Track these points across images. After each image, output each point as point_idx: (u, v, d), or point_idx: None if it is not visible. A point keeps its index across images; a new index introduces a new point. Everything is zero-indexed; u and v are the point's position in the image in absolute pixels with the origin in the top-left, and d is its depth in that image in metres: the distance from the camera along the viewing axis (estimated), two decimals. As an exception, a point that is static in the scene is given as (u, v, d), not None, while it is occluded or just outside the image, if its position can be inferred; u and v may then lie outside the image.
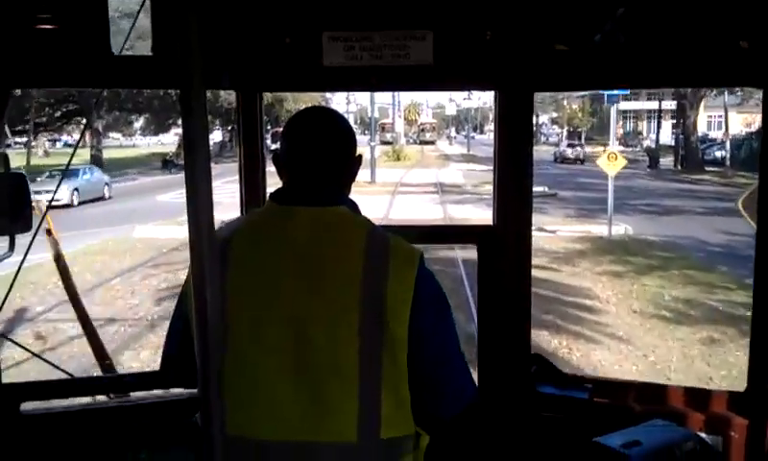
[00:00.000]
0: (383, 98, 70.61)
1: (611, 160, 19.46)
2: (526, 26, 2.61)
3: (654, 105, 68.58)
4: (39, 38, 2.39)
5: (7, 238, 2.50)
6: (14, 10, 2.37)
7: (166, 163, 45.26)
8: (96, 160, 39.61)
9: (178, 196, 25.93)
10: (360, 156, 1.93)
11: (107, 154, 46.45)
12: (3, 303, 2.53)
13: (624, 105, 69.83)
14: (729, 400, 2.59)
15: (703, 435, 2.47)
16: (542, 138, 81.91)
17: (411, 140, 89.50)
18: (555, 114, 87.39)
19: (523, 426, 2.74)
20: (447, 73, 2.66)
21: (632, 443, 2.27)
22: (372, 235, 1.76)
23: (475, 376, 2.72)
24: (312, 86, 2.94)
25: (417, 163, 51.58)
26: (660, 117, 64.97)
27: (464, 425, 2.60)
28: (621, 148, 59.27)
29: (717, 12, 2.41)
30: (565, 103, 77.11)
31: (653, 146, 56.61)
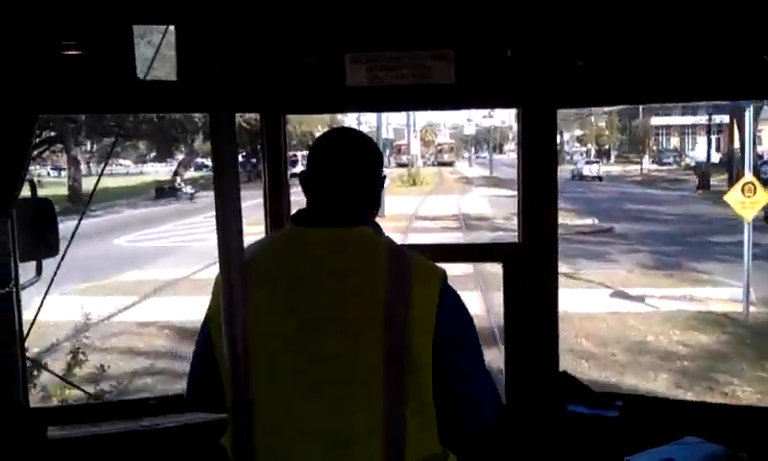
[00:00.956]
0: (398, 118, 66.93)
1: (747, 196, 11.83)
2: (547, 42, 2.63)
3: (689, 120, 66.34)
4: (65, 65, 2.44)
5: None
6: (41, 36, 2.42)
7: (160, 192, 41.28)
8: (74, 193, 34.08)
9: (141, 237, 23.73)
10: (384, 176, 1.94)
11: (111, 182, 42.92)
12: (30, 328, 2.57)
13: (655, 120, 68.11)
14: (760, 416, 2.57)
15: (734, 452, 2.45)
16: (567, 157, 79.35)
17: (428, 162, 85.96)
18: (579, 132, 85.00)
19: (553, 447, 2.73)
20: (470, 91, 2.69)
21: (664, 461, 2.27)
22: (394, 256, 1.77)
23: (503, 395, 2.74)
24: (335, 108, 2.97)
25: (435, 188, 46.32)
26: (694, 133, 63.52)
27: (492, 446, 2.60)
28: (656, 167, 56.47)
29: (739, 26, 2.43)
30: (593, 119, 74.31)
31: (692, 163, 54.33)
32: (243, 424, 1.46)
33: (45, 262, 2.63)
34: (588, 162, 57.78)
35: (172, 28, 2.50)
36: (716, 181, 37.59)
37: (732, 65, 2.46)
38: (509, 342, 2.81)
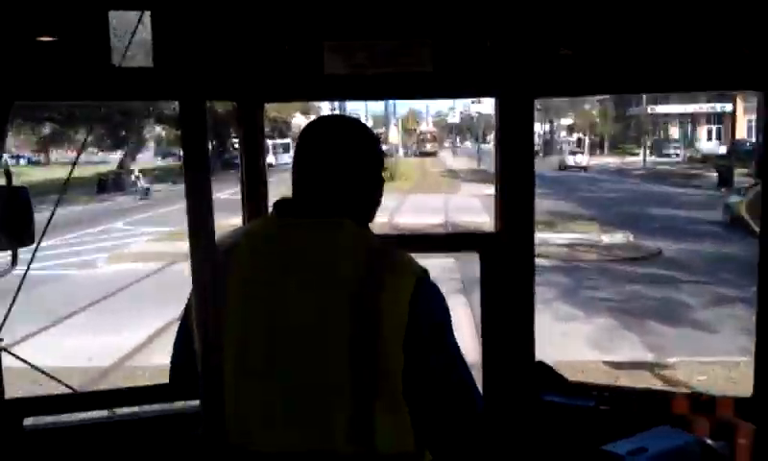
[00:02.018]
0: (378, 106, 65.17)
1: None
2: (526, 31, 2.67)
3: (688, 108, 62.58)
4: (40, 51, 2.44)
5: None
6: (15, 23, 2.42)
7: (102, 185, 38.77)
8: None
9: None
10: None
11: (48, 173, 37.70)
12: (6, 318, 2.57)
13: (653, 109, 64.37)
14: (735, 406, 2.63)
15: (709, 441, 2.51)
16: (557, 147, 75.45)
17: (410, 152, 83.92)
18: (570, 121, 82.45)
19: (528, 436, 2.78)
20: (448, 80, 2.72)
21: (638, 450, 2.32)
22: (373, 249, 1.79)
23: (479, 385, 2.77)
24: (313, 96, 2.98)
25: (416, 184, 41.15)
26: (694, 121, 61.05)
27: (468, 437, 2.64)
28: (654, 158, 53.99)
29: (718, 16, 2.47)
30: (587, 107, 71.22)
31: (697, 154, 51.58)
32: (212, 411, 1.48)
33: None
34: (572, 152, 57.89)
35: (147, 14, 2.50)
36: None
37: (709, 56, 2.49)
38: (485, 332, 2.85)
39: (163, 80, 2.51)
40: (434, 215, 25.14)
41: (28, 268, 2.60)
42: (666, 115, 66.97)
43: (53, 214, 2.81)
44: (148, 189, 36.53)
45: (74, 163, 3.05)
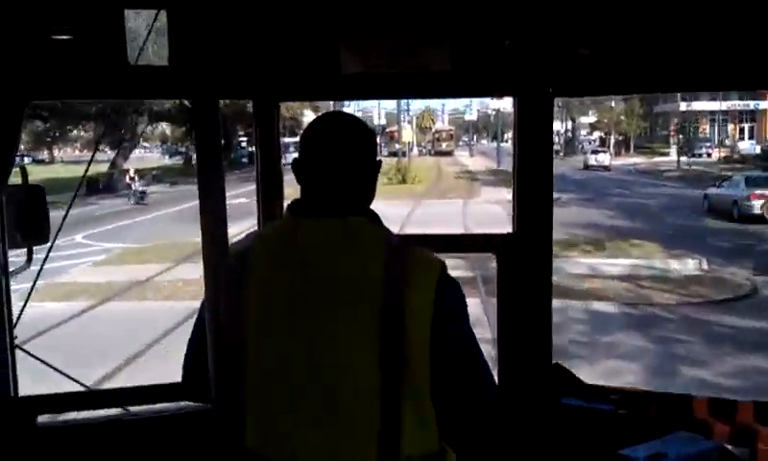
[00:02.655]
0: (392, 102, 60.10)
1: None
2: (544, 31, 2.67)
3: (718, 105, 59.25)
4: (56, 50, 2.46)
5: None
6: (31, 21, 2.44)
7: (93, 187, 34.23)
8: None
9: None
10: (380, 161, 1.94)
11: (49, 172, 34.98)
12: (20, 315, 2.60)
13: (682, 106, 60.90)
14: (755, 411, 2.61)
15: (729, 447, 2.50)
16: (579, 147, 72.89)
17: (424, 150, 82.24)
18: (594, 118, 78.57)
19: (546, 439, 2.78)
20: (465, 79, 2.73)
21: (657, 455, 2.33)
22: (392, 247, 1.79)
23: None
24: (329, 95, 3.00)
25: (431, 188, 37.64)
26: (725, 120, 58.03)
27: (486, 440, 2.64)
28: (684, 158, 49.88)
29: (738, 15, 2.45)
30: (614, 104, 66.65)
31: (735, 155, 48.42)
32: (224, 416, 1.49)
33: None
34: (593, 151, 56.11)
35: (164, 12, 2.52)
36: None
37: (728, 54, 2.48)
38: (502, 333, 2.85)
39: (178, 78, 2.53)
40: (450, 226, 20.68)
41: (42, 266, 2.62)
42: (697, 113, 62.32)
43: (66, 214, 2.83)
44: (143, 193, 33.21)
45: (90, 162, 3.07)
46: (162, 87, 2.75)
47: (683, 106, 60.11)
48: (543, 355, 2.84)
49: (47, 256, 2.68)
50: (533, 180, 2.80)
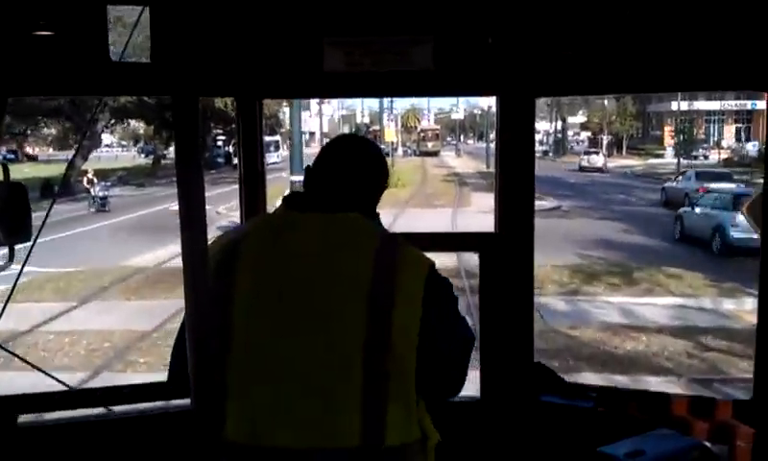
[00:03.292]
0: (376, 101, 59.07)
1: None
2: (527, 30, 2.70)
3: (715, 105, 57.81)
4: (37, 46, 2.47)
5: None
6: (12, 17, 2.45)
7: (46, 191, 28.35)
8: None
9: None
10: (386, 184, 2.06)
11: (16, 172, 28.95)
12: (1, 314, 2.61)
13: (676, 105, 57.91)
14: (734, 409, 2.66)
15: (708, 444, 2.54)
16: (569, 147, 71.52)
17: (409, 151, 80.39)
18: (584, 118, 77.32)
19: (527, 437, 2.82)
20: (448, 78, 2.76)
21: (636, 452, 2.37)
22: (384, 240, 1.87)
23: (478, 385, 2.81)
24: (312, 93, 3.02)
25: (416, 193, 34.80)
26: (722, 120, 56.50)
27: (466, 435, 2.69)
28: (684, 162, 46.06)
29: (718, 16, 2.50)
30: (606, 102, 65.38)
31: (740, 158, 46.34)
32: (204, 410, 1.52)
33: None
34: (586, 152, 55.13)
35: (146, 9, 2.53)
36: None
37: (710, 55, 2.53)
38: (484, 332, 2.90)
39: (160, 75, 2.55)
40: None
41: (24, 265, 2.63)
42: (693, 112, 59.30)
43: (48, 214, 2.84)
44: (104, 198, 29.16)
45: (71, 160, 3.07)
46: (144, 84, 2.76)
47: (679, 105, 57.87)
48: (525, 354, 2.88)
49: (29, 255, 2.69)
50: (515, 179, 2.84)
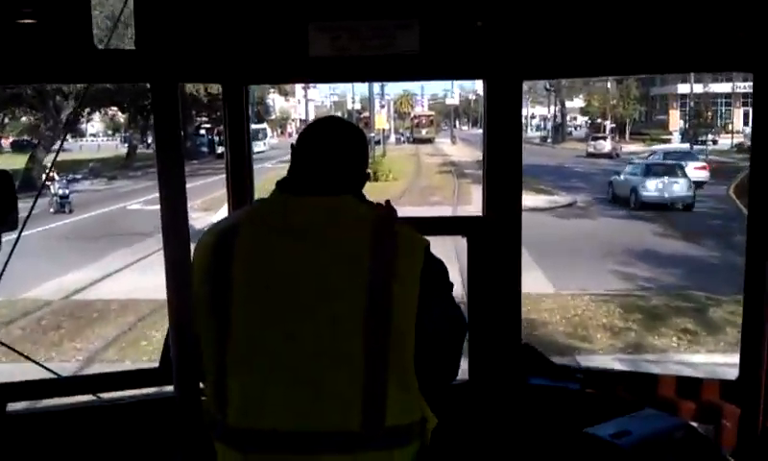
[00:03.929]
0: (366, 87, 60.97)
1: None
2: (513, 13, 2.73)
3: (723, 87, 55.43)
4: (20, 33, 2.48)
5: None
6: None
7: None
8: None
9: None
10: (368, 173, 2.08)
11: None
12: None
13: (682, 88, 56.83)
14: (720, 389, 2.71)
15: (694, 424, 2.59)
16: (568, 132, 69.42)
17: (402, 138, 78.87)
18: (583, 103, 75.28)
19: (514, 419, 2.86)
20: (435, 62, 2.79)
21: (622, 433, 2.40)
22: (379, 223, 1.90)
23: (466, 366, 2.84)
24: (298, 78, 3.03)
25: (409, 186, 31.59)
26: (729, 103, 54.49)
27: (454, 417, 2.72)
28: (687, 146, 44.24)
29: None
30: (609, 86, 64.03)
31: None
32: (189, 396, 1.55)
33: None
34: (593, 138, 53.21)
35: None
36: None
37: (699, 37, 2.56)
38: (472, 314, 2.93)
39: (145, 62, 2.56)
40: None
41: (10, 255, 2.65)
42: (700, 96, 57.92)
43: (34, 204, 2.84)
44: (65, 198, 25.91)
45: (58, 151, 3.09)
46: (129, 71, 2.78)
47: (681, 88, 56.41)
48: (513, 336, 2.93)
49: (16, 244, 2.71)
50: (502, 163, 2.87)
